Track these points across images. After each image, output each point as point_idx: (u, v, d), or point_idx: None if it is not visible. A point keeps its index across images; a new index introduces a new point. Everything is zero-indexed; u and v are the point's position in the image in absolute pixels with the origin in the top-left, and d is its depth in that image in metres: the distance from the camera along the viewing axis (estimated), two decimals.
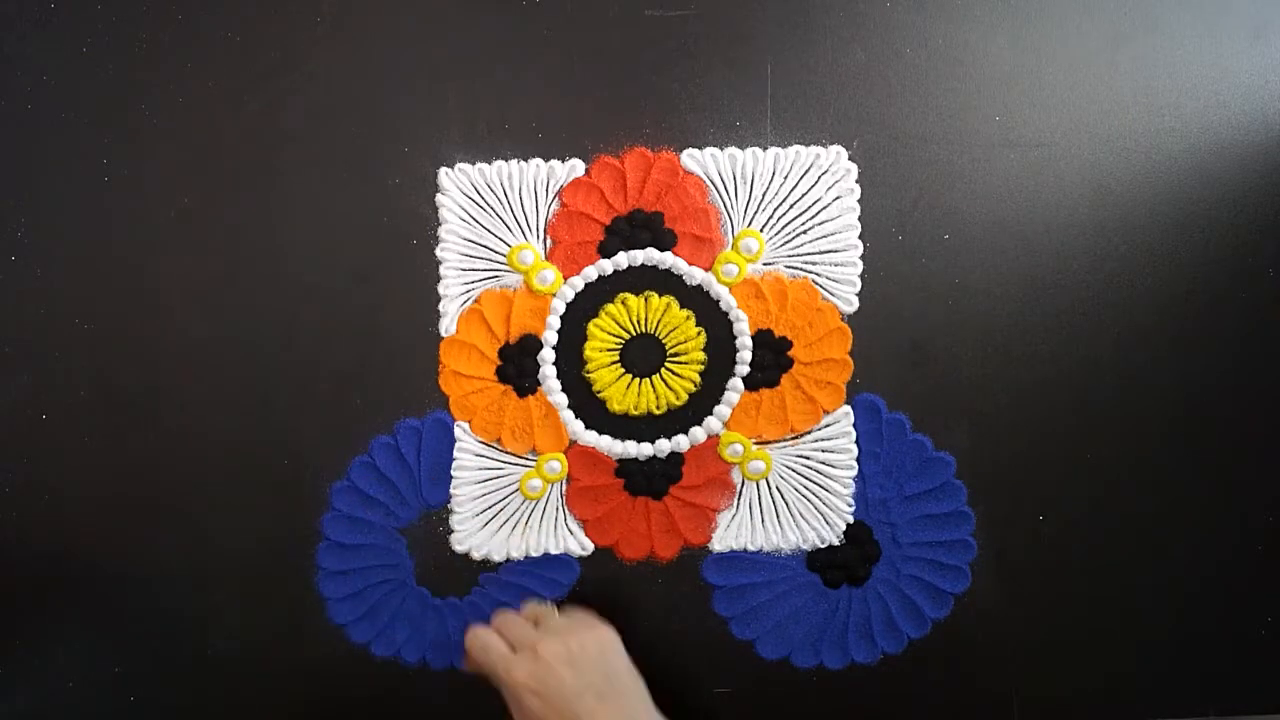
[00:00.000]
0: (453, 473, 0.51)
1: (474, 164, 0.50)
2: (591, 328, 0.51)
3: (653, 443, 0.52)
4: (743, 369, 0.51)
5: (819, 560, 0.53)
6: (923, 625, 0.53)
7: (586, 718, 0.43)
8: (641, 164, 0.50)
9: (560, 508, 0.52)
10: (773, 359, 0.51)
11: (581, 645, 0.45)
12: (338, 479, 0.51)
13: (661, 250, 0.50)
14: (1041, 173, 0.51)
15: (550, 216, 0.50)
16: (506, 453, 0.52)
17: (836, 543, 0.53)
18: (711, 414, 0.52)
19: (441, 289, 0.50)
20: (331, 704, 0.53)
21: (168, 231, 0.50)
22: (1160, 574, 0.54)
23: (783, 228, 0.51)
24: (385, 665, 0.53)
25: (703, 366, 0.51)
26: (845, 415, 0.52)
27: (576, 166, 0.50)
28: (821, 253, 0.51)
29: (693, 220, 0.50)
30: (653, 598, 0.53)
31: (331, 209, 0.50)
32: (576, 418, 0.52)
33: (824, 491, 0.52)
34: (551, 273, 0.50)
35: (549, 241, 0.51)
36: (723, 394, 0.51)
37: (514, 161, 0.50)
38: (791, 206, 0.51)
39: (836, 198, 0.51)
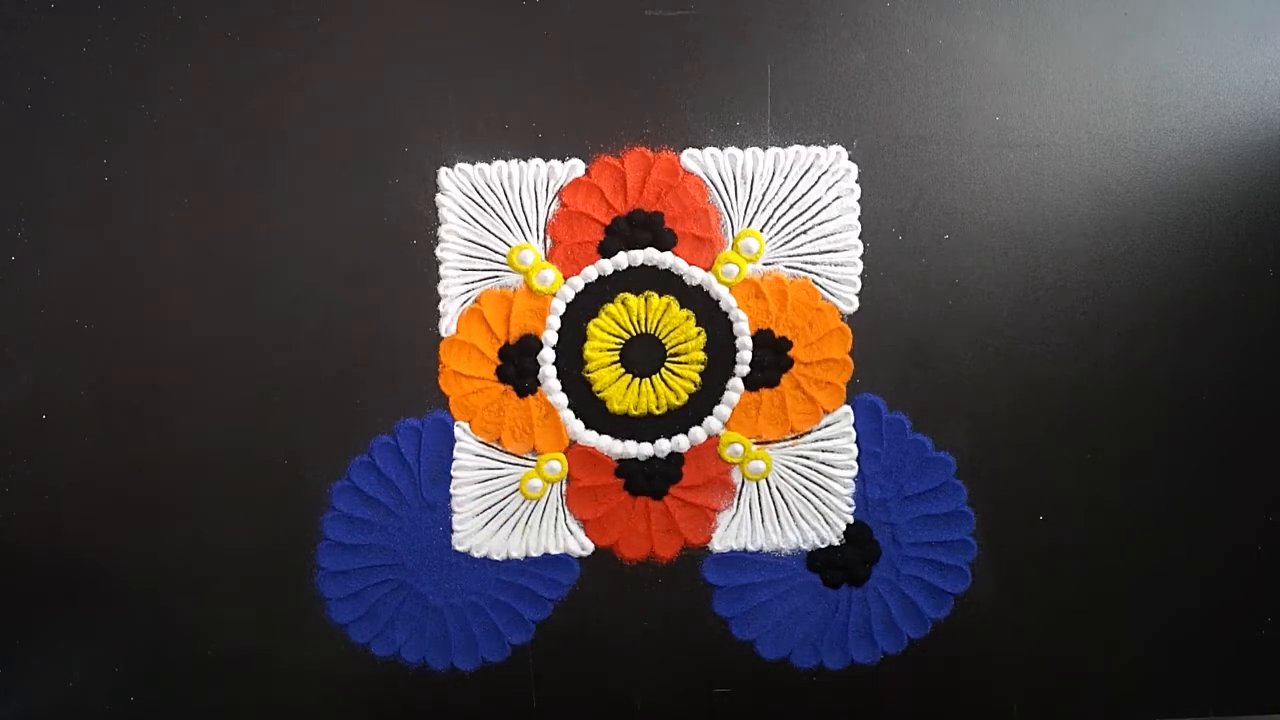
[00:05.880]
0: (453, 473, 0.51)
1: (474, 164, 0.50)
2: (591, 328, 0.51)
3: (653, 443, 0.52)
4: (743, 369, 0.51)
5: (819, 560, 0.53)
6: (923, 625, 0.53)
7: None
8: (641, 164, 0.50)
9: (560, 508, 0.52)
10: (773, 359, 0.51)
11: None
12: (338, 479, 0.51)
13: (661, 250, 0.50)
14: (1041, 173, 0.51)
15: (550, 216, 0.50)
16: (506, 453, 0.52)
17: (836, 543, 0.53)
18: (711, 414, 0.52)
19: (441, 289, 0.50)
20: (331, 704, 0.53)
21: (168, 231, 0.50)
22: (1160, 574, 0.54)
23: (783, 228, 0.51)
24: (385, 665, 0.53)
25: (703, 366, 0.51)
26: (845, 415, 0.52)
27: (576, 166, 0.50)
28: (821, 253, 0.51)
29: (693, 220, 0.50)
30: (653, 598, 0.53)
31: (331, 209, 0.50)
32: (576, 418, 0.52)
33: (824, 491, 0.52)
34: (551, 273, 0.50)
35: (549, 241, 0.51)
36: (723, 394, 0.51)
37: (514, 161, 0.50)
38: (791, 206, 0.51)
39: (836, 198, 0.51)
